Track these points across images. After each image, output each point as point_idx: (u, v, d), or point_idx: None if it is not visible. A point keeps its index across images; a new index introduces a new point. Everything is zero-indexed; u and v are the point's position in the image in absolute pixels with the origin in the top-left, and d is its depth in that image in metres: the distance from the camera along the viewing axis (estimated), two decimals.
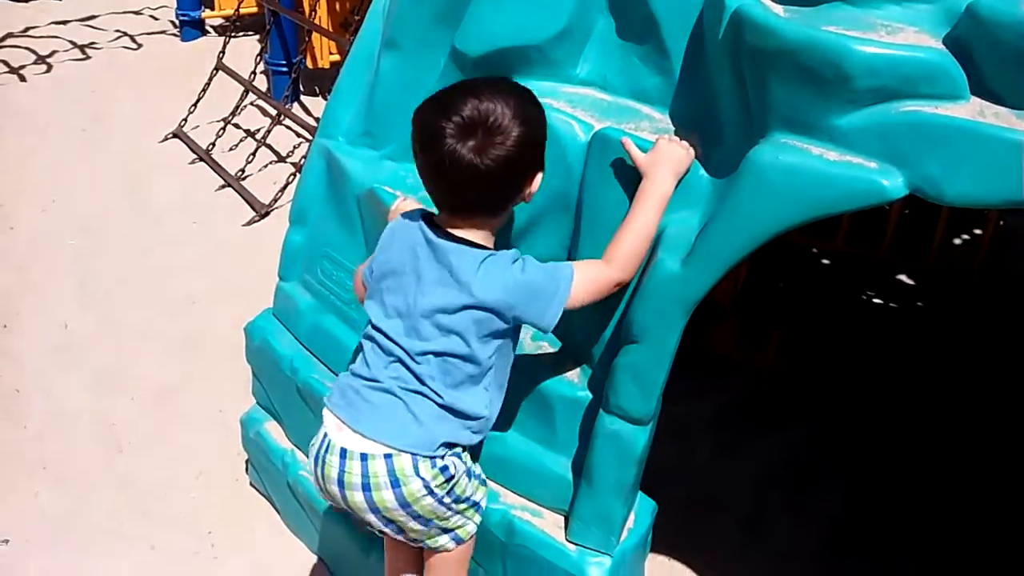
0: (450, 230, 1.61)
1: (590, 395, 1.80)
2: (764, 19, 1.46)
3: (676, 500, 2.38)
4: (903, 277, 3.94)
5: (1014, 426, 3.00)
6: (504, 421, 1.87)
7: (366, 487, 1.59)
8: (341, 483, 1.61)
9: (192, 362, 3.21)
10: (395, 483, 1.58)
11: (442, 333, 1.58)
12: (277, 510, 2.56)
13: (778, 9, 1.53)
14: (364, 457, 1.58)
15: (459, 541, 1.74)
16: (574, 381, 1.82)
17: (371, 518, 1.63)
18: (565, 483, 1.83)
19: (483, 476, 1.78)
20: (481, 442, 1.76)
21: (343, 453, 1.60)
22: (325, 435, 1.65)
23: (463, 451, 1.68)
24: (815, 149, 1.43)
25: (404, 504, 1.60)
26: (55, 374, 3.13)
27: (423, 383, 1.59)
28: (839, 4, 1.47)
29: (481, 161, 1.52)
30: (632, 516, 1.88)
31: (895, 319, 3.65)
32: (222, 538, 2.51)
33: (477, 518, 1.75)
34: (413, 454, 1.58)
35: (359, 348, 1.71)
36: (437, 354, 1.58)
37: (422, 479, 1.59)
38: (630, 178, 1.67)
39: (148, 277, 3.71)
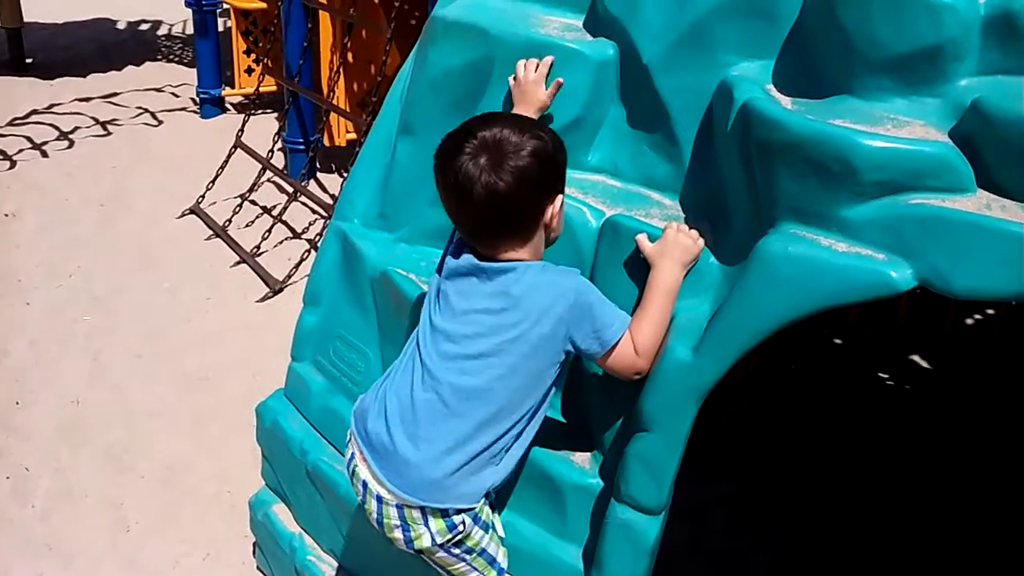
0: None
1: (601, 483, 1.78)
2: (772, 112, 1.49)
3: None
4: (916, 357, 3.93)
5: None
6: (514, 508, 1.85)
7: (379, 523, 1.65)
8: (362, 508, 1.69)
9: (202, 440, 3.20)
10: (405, 528, 1.63)
11: (484, 360, 1.59)
12: None
13: (786, 102, 1.56)
14: (379, 499, 1.63)
15: None
16: (585, 468, 1.80)
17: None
18: (576, 573, 1.80)
19: (502, 534, 1.77)
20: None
21: (364, 486, 1.66)
22: (352, 456, 1.70)
23: (482, 504, 1.67)
24: (824, 240, 1.44)
25: (409, 544, 1.65)
26: (64, 452, 3.12)
27: (455, 417, 1.60)
28: (846, 97, 1.50)
29: (497, 177, 1.53)
30: None
31: (909, 400, 3.62)
32: None
33: (492, 574, 1.74)
34: (423, 507, 1.61)
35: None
36: (479, 380, 1.60)
37: (430, 531, 1.62)
38: (640, 265, 1.68)
39: (161, 353, 3.72)
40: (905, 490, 3.02)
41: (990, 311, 4.15)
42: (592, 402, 1.80)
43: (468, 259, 1.64)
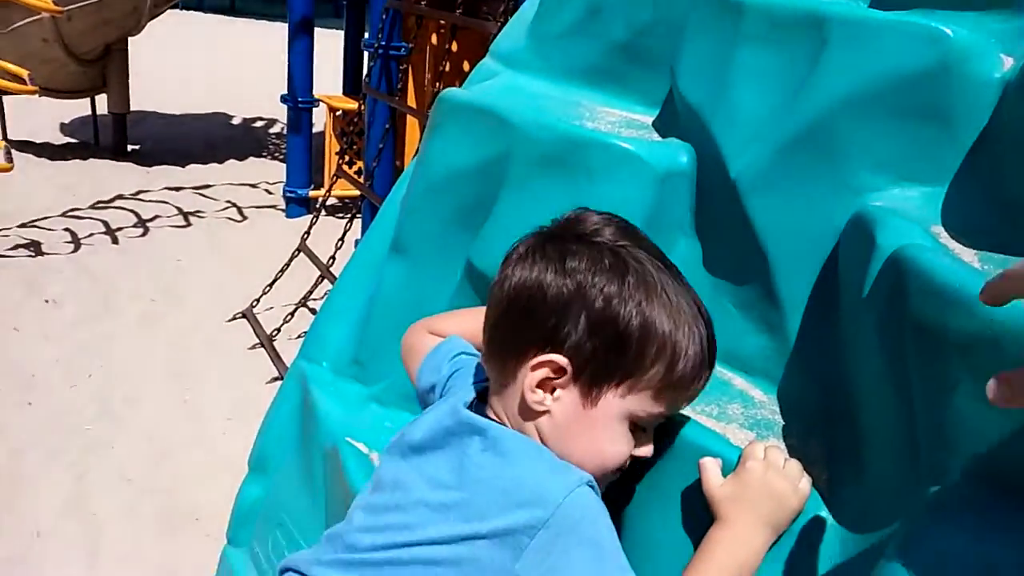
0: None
1: None
2: (948, 277, 0.82)
3: None
4: None
5: None
6: None
7: None
8: None
9: None
10: None
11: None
12: None
13: (970, 256, 0.90)
14: None
15: None
16: None
17: None
18: None
19: None
20: None
21: None
22: None
23: None
24: None
25: None
26: None
27: None
28: None
29: (507, 278, 1.04)
30: None
31: None
32: None
33: None
34: None
35: None
36: None
37: None
38: (698, 502, 1.01)
39: (153, 487, 3.14)
40: None
41: None
42: None
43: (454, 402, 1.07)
